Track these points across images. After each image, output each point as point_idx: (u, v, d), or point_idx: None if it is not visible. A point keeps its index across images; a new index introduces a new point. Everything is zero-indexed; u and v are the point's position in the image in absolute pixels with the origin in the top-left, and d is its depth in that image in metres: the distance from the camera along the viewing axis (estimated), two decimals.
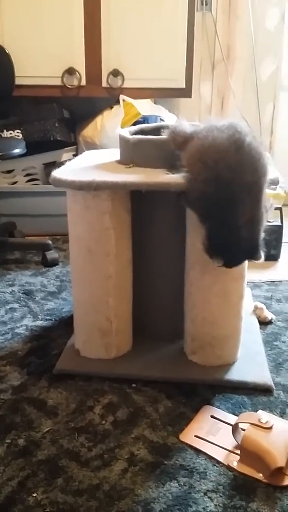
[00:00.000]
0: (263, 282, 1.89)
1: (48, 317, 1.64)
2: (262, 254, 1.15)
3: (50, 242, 2.09)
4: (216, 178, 1.10)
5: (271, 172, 1.17)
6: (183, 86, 2.36)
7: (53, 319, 1.63)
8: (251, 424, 1.04)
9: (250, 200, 1.12)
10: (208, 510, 0.92)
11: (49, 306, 1.72)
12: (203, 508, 0.93)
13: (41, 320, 1.62)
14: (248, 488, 0.97)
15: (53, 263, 2.04)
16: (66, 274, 1.95)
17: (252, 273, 1.93)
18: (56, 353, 1.41)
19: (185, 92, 2.38)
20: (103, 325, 1.34)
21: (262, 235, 1.16)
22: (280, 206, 2.20)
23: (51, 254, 2.05)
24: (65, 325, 1.57)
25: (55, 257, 2.05)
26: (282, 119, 2.83)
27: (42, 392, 1.25)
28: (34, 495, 0.96)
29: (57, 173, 1.26)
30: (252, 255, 1.16)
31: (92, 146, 2.31)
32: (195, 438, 1.09)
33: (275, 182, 1.19)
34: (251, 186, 1.12)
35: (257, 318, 1.58)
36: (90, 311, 1.35)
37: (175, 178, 1.19)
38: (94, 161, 1.42)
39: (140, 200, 1.28)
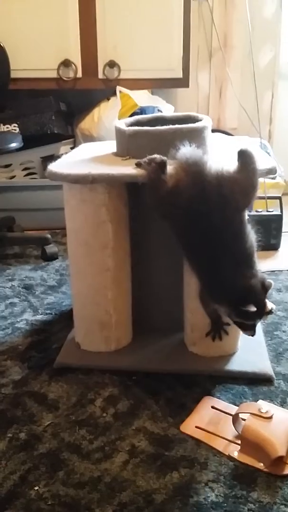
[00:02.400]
0: (263, 272, 1.88)
1: (48, 311, 1.64)
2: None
3: (49, 236, 2.08)
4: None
5: (268, 162, 1.16)
6: (180, 76, 2.34)
7: (53, 313, 1.63)
8: (252, 414, 1.04)
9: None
10: (209, 500, 0.93)
11: (49, 300, 1.72)
12: (204, 498, 0.93)
13: (41, 314, 1.62)
14: (249, 478, 0.97)
15: (53, 257, 2.04)
16: (66, 268, 1.95)
17: None
18: (56, 347, 1.41)
19: (183, 82, 2.36)
20: (103, 318, 1.34)
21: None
22: (279, 195, 2.19)
23: (51, 248, 2.05)
24: (65, 319, 1.57)
25: (54, 251, 2.05)
26: (281, 107, 2.80)
27: (43, 386, 1.26)
28: (36, 488, 0.96)
29: (53, 167, 1.25)
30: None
31: (89, 138, 2.30)
32: (196, 429, 1.09)
33: (272, 172, 1.18)
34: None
35: None
36: (89, 305, 1.34)
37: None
38: (90, 154, 1.41)
39: (137, 192, 1.28)
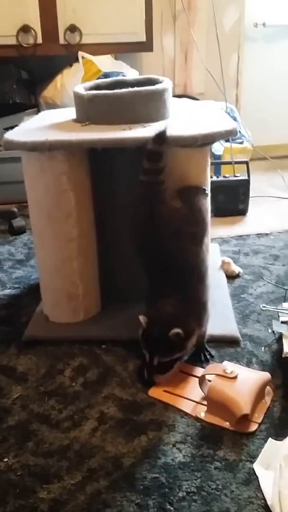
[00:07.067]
0: (231, 237, 1.89)
1: (16, 285, 1.62)
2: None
3: (15, 209, 2.04)
4: None
5: (228, 123, 1.14)
6: (144, 39, 2.27)
7: (21, 287, 1.61)
8: (217, 375, 1.06)
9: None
10: (176, 460, 0.94)
11: (17, 274, 1.69)
12: (172, 459, 0.95)
13: (10, 288, 1.60)
14: (216, 437, 0.99)
15: (20, 231, 2.00)
16: None
17: (220, 229, 1.94)
18: (25, 321, 1.40)
19: (146, 45, 2.30)
20: (70, 289, 1.33)
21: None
22: (247, 160, 2.18)
23: (18, 222, 2.01)
24: (34, 292, 1.54)
25: (21, 225, 2.01)
26: (248, 71, 2.76)
27: (12, 359, 1.25)
28: (5, 460, 0.96)
29: (9, 135, 1.21)
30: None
31: (53, 107, 2.22)
32: (164, 392, 1.10)
33: (232, 133, 1.16)
34: None
35: (225, 273, 1.58)
36: (55, 276, 1.33)
37: (132, 133, 1.15)
38: (49, 121, 1.37)
39: (99, 159, 1.25)
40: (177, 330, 1.06)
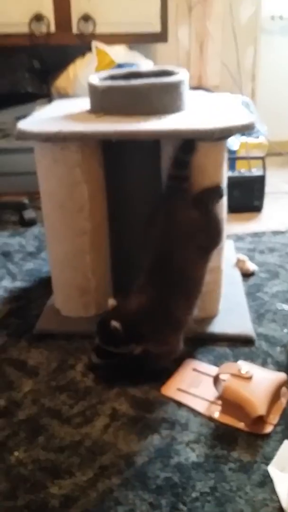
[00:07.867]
0: (246, 234, 1.86)
1: (27, 278, 1.60)
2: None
3: (26, 201, 2.02)
4: None
5: (245, 117, 1.11)
6: (159, 30, 2.24)
7: (32, 280, 1.59)
8: (232, 374, 1.04)
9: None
10: (190, 460, 0.93)
11: (28, 266, 1.68)
12: (185, 459, 0.93)
13: (20, 281, 1.59)
14: (230, 437, 0.97)
15: (31, 223, 1.99)
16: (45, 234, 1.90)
17: (235, 225, 1.91)
18: (36, 314, 1.39)
19: (161, 36, 2.26)
20: (82, 283, 1.31)
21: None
22: (262, 155, 2.14)
23: (28, 214, 2.00)
24: (44, 285, 1.53)
25: (32, 217, 2.00)
26: (264, 64, 2.71)
27: (22, 353, 1.23)
28: (16, 454, 0.95)
29: (22, 125, 1.19)
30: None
31: (65, 97, 2.19)
32: (177, 391, 1.08)
33: (249, 127, 1.13)
34: None
35: (240, 271, 1.56)
36: (67, 270, 1.31)
37: (147, 125, 1.13)
38: (63, 111, 1.35)
39: (113, 151, 1.22)
40: (115, 323, 1.04)
